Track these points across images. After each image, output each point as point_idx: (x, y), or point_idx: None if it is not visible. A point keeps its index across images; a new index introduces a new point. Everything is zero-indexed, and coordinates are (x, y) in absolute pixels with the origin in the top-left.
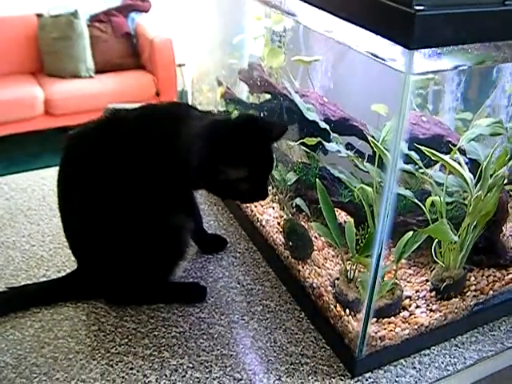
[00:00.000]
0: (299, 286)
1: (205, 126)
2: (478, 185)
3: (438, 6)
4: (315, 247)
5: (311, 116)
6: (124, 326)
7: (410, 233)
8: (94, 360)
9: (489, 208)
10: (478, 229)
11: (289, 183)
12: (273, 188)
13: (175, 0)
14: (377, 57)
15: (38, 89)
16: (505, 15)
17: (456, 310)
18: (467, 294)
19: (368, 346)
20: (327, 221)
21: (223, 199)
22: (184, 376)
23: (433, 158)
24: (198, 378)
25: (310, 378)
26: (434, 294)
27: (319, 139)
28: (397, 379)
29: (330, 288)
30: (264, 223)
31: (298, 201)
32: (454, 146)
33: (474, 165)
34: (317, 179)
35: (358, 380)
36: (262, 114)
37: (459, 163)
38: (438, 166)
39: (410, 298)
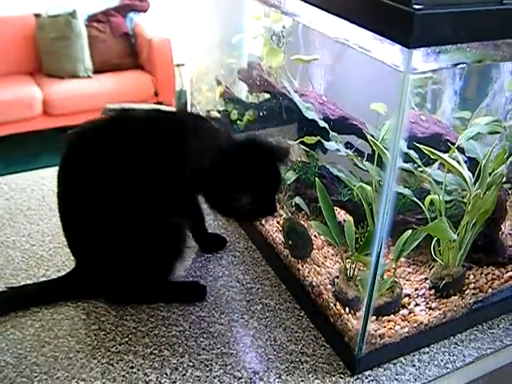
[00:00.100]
0: (299, 284)
1: (212, 150)
2: (477, 183)
3: (437, 5)
4: (315, 246)
5: (310, 115)
6: (124, 325)
7: (410, 231)
8: (94, 359)
9: (488, 206)
10: (477, 227)
11: (288, 182)
12: None
13: (173, 0)
14: (376, 56)
15: (36, 89)
16: (503, 14)
17: (455, 308)
18: (466, 292)
19: (368, 344)
20: (327, 219)
21: (227, 218)
22: (184, 375)
23: (432, 157)
24: (198, 376)
25: (309, 376)
26: (433, 292)
27: (318, 138)
28: (396, 377)
29: (329, 286)
30: (263, 222)
31: (298, 200)
32: (453, 144)
33: (472, 163)
34: (316, 178)
35: (358, 378)
36: (261, 114)
37: (458, 162)
38: (436, 165)
39: (409, 296)
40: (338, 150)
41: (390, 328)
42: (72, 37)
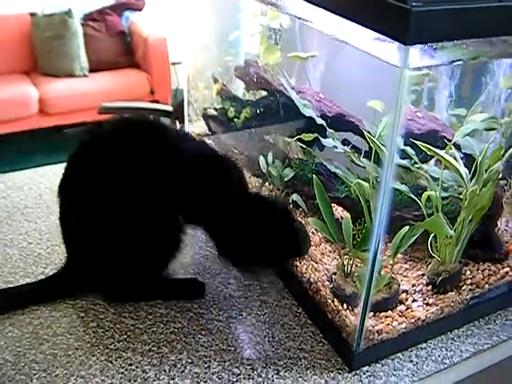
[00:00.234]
0: (297, 281)
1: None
2: (474, 179)
3: (434, 1)
4: (312, 243)
5: (308, 112)
6: (122, 322)
7: (407, 227)
8: (93, 356)
9: (484, 202)
10: (474, 223)
11: (285, 179)
12: (269, 184)
13: None
14: (372, 52)
15: (32, 88)
16: (500, 11)
17: (452, 304)
18: (463, 287)
19: (365, 339)
20: (324, 216)
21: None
22: (183, 371)
23: (428, 153)
24: (196, 373)
25: (308, 372)
26: (430, 287)
27: (316, 135)
28: (394, 372)
29: (327, 283)
30: None
31: (295, 196)
32: (449, 141)
33: (468, 160)
34: (313, 175)
35: (356, 374)
36: (258, 111)
37: (454, 158)
38: (433, 161)
39: (406, 292)
40: (336, 147)
41: (388, 324)
42: (68, 36)
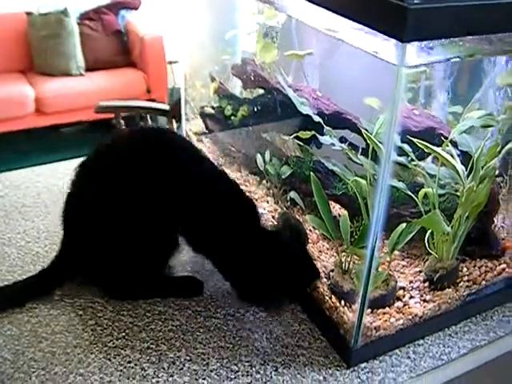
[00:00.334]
0: None
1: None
2: (470, 176)
3: None
4: (310, 240)
5: (305, 110)
6: (121, 320)
7: (404, 224)
8: (91, 354)
9: (481, 199)
10: (470, 220)
11: (283, 177)
12: (267, 182)
13: None
14: (370, 50)
15: (28, 87)
16: (496, 8)
17: (449, 301)
18: (460, 284)
19: (363, 336)
20: (322, 213)
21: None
22: (182, 369)
23: (425, 150)
24: (195, 370)
25: (306, 368)
26: (427, 284)
27: (313, 133)
28: (392, 369)
29: (325, 280)
30: None
31: (293, 194)
32: (446, 138)
33: (465, 157)
34: (311, 172)
35: (354, 370)
36: (255, 109)
37: (451, 155)
38: (430, 159)
39: (403, 288)
40: (333, 145)
41: (385, 320)
42: (64, 35)
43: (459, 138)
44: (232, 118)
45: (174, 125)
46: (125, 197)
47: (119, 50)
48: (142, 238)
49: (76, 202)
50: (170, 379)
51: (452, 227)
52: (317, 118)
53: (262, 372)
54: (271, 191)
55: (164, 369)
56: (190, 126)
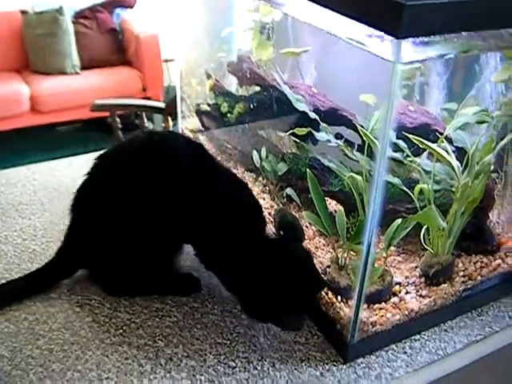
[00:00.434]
0: None
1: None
2: (465, 172)
3: None
4: (306, 236)
5: (301, 107)
6: (118, 316)
7: (400, 220)
8: (89, 351)
9: (476, 195)
10: (466, 215)
11: (279, 173)
12: (263, 179)
13: None
14: (365, 47)
15: (23, 86)
16: (492, 4)
17: (445, 296)
18: (456, 279)
19: (360, 331)
20: (318, 209)
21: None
22: (179, 365)
23: (420, 146)
24: (192, 366)
25: (303, 364)
26: (423, 280)
27: (309, 129)
28: (388, 364)
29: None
30: None
31: (289, 191)
32: (441, 134)
33: (460, 153)
34: (307, 169)
35: (351, 365)
36: (251, 106)
37: (446, 151)
38: (425, 155)
39: (399, 284)
40: (329, 141)
41: (382, 316)
42: (59, 33)
43: (454, 134)
44: (228, 115)
45: (170, 123)
46: (135, 195)
47: (114, 49)
48: (147, 236)
49: (87, 193)
50: (168, 375)
51: (447, 223)
52: (313, 115)
53: (259, 368)
54: (267, 188)
55: (161, 365)
56: (186, 124)
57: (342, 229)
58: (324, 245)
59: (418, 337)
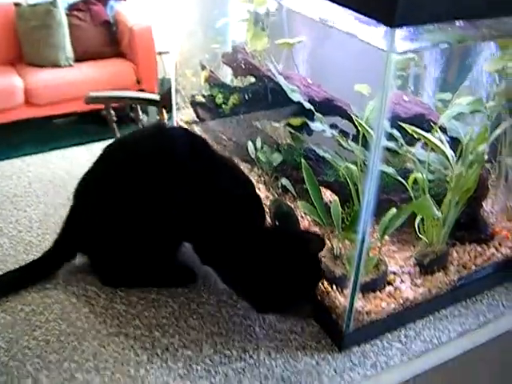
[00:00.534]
0: None
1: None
2: (460, 161)
3: None
4: (301, 226)
5: (295, 97)
6: (114, 307)
7: (394, 209)
8: (85, 341)
9: (470, 184)
10: (460, 205)
11: (274, 164)
12: (258, 169)
13: None
14: (359, 36)
15: (17, 78)
16: None
17: (440, 285)
18: (450, 268)
19: (355, 320)
20: (313, 199)
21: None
22: (175, 355)
23: (415, 136)
24: (189, 355)
25: (299, 353)
26: (418, 269)
27: (304, 119)
28: (383, 352)
29: None
30: None
31: (284, 181)
32: (435, 124)
33: (454, 143)
34: (302, 159)
35: (346, 354)
36: (246, 97)
37: (441, 141)
38: (419, 145)
39: (394, 273)
40: (324, 131)
41: (377, 305)
42: (53, 26)
43: (448, 124)
44: (223, 106)
45: (165, 115)
46: (138, 186)
47: (108, 41)
48: (147, 228)
49: (93, 180)
50: (164, 365)
51: (442, 212)
52: (307, 105)
53: (255, 357)
54: (262, 178)
55: (158, 355)
56: (181, 115)
57: (337, 219)
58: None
59: (412, 325)
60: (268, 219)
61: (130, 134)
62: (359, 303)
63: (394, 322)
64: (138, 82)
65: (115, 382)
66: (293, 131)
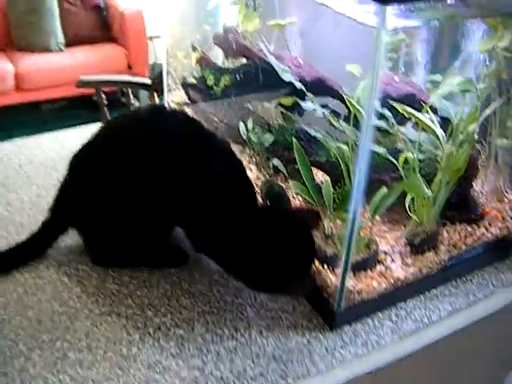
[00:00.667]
0: None
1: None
2: (450, 141)
3: None
4: (293, 206)
5: (287, 77)
6: (106, 287)
7: (385, 189)
8: (77, 321)
9: (460, 164)
10: (450, 184)
11: (266, 144)
12: (250, 150)
13: None
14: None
15: (7, 63)
16: None
17: (430, 264)
18: (441, 248)
19: (346, 300)
20: (305, 179)
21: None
22: (167, 334)
23: (406, 116)
24: (181, 334)
25: (290, 332)
26: (408, 249)
27: (295, 99)
28: (374, 331)
29: None
30: None
31: (276, 161)
32: (426, 104)
33: (445, 123)
34: (294, 139)
35: (337, 333)
36: (237, 78)
37: (431, 120)
38: (409, 125)
39: (385, 252)
40: (315, 110)
41: (368, 284)
42: (43, 10)
43: (439, 104)
44: (214, 87)
45: (156, 99)
46: (131, 165)
47: (99, 26)
48: (139, 208)
49: (87, 156)
50: (156, 344)
51: (432, 192)
52: (299, 85)
53: (246, 336)
54: (254, 159)
55: (150, 334)
56: (172, 97)
57: (328, 198)
58: None
59: (403, 305)
60: (260, 200)
61: (127, 114)
62: (350, 282)
63: (385, 302)
64: (130, 66)
65: (107, 360)
66: (284, 111)
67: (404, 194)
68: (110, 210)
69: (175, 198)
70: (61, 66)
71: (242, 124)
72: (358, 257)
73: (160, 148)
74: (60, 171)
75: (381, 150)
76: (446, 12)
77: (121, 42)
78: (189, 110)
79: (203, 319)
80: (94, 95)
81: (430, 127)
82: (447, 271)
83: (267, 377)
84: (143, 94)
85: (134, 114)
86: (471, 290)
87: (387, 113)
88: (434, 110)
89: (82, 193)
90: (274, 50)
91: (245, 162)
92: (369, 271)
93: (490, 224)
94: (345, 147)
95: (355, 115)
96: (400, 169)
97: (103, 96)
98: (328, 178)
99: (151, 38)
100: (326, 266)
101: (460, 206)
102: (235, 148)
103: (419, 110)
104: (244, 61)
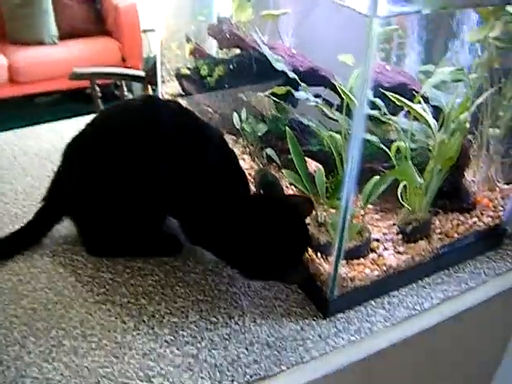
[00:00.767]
0: None
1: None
2: (442, 129)
3: None
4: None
5: (280, 67)
6: (101, 276)
7: (377, 177)
8: (72, 309)
9: (452, 153)
10: (443, 173)
11: (259, 134)
12: (243, 140)
13: None
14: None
15: (1, 56)
16: None
17: (423, 253)
18: (433, 236)
19: (339, 287)
20: (298, 169)
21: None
22: (162, 321)
23: (398, 104)
24: (175, 322)
25: (283, 319)
26: (400, 237)
27: (288, 88)
28: (367, 318)
29: None
30: None
31: (269, 151)
32: (418, 93)
33: (437, 112)
34: (287, 129)
35: (331, 320)
36: (231, 68)
37: (423, 109)
38: (402, 114)
39: (377, 240)
40: (308, 100)
41: (361, 271)
42: (36, 3)
43: (431, 93)
44: (208, 78)
45: (150, 91)
46: (125, 155)
47: (93, 19)
48: (133, 197)
49: (81, 144)
50: (151, 331)
51: (424, 180)
52: (292, 75)
53: (240, 323)
54: (247, 149)
55: (144, 322)
56: (166, 88)
57: (321, 187)
58: None
59: (396, 293)
60: (253, 189)
61: (121, 103)
62: (343, 270)
63: (377, 289)
64: (124, 60)
65: (102, 348)
66: (277, 101)
67: (396, 183)
68: (103, 199)
69: (168, 186)
70: (55, 59)
71: (235, 114)
72: (351, 244)
73: (153, 137)
74: (55, 162)
75: (373, 138)
76: (438, 1)
77: (115, 36)
78: (183, 101)
79: (197, 307)
80: (87, 88)
81: (422, 116)
82: (439, 260)
83: (261, 364)
84: (137, 86)
85: (127, 104)
86: (463, 278)
87: (380, 102)
88: (426, 100)
89: (75, 182)
90: (267, 40)
91: (238, 152)
92: (361, 259)
93: (481, 213)
94: (338, 136)
95: (348, 104)
96: (392, 158)
97: (97, 89)
98: (321, 167)
99: (145, 32)
100: (319, 254)
101: (452, 195)
102: (229, 138)
103: (411, 100)
104: (238, 51)
